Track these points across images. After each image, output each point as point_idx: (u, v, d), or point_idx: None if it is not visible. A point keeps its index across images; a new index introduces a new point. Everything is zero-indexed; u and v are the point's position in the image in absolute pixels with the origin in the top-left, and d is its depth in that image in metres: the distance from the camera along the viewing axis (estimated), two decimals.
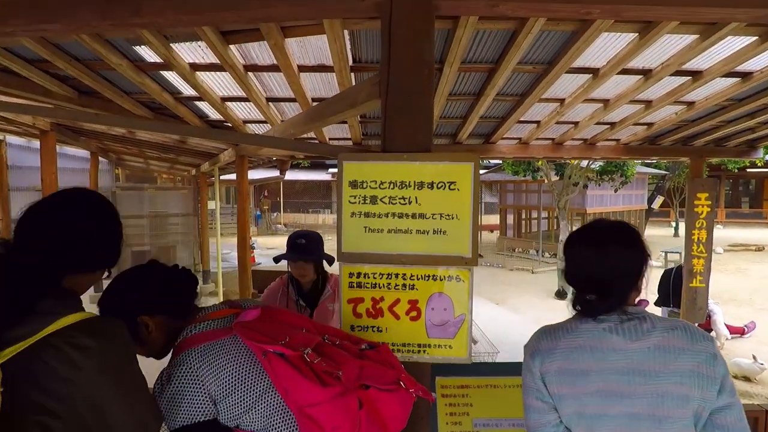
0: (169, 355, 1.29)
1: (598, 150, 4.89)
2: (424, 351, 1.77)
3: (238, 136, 3.33)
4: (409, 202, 1.72)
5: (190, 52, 2.90)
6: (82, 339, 0.87)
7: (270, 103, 3.73)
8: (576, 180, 8.68)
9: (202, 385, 1.18)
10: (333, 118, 2.46)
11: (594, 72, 3.06)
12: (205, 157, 7.28)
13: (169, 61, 2.85)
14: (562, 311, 7.85)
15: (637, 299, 1.21)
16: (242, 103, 3.77)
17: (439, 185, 1.71)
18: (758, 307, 8.31)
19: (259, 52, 2.90)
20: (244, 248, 4.80)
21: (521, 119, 4.09)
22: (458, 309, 1.74)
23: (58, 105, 3.56)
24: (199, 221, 10.55)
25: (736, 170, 15.87)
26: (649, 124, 4.26)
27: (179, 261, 11.00)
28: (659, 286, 6.36)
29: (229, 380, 1.18)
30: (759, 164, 15.19)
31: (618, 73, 3.03)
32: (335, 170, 1.77)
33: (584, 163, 8.39)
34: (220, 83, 3.37)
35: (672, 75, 3.08)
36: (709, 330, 5.99)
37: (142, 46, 2.81)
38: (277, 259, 2.37)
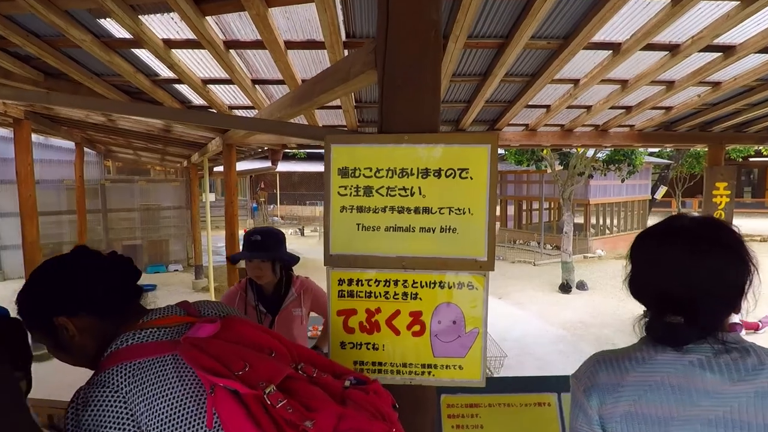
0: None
1: (609, 137, 4.58)
2: (430, 372, 1.48)
3: (207, 117, 3.01)
4: (412, 194, 1.42)
5: (162, 25, 2.57)
6: None
7: (256, 86, 3.40)
8: (581, 170, 8.37)
9: (131, 415, 0.87)
10: (324, 98, 2.15)
11: (615, 48, 2.75)
12: (194, 148, 6.95)
13: (139, 36, 2.53)
14: (566, 305, 7.59)
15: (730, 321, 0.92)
16: (226, 86, 3.45)
17: (448, 173, 1.40)
18: None
19: (241, 25, 2.57)
20: (233, 243, 4.50)
21: (530, 103, 3.78)
22: (470, 322, 1.45)
23: (21, 87, 3.23)
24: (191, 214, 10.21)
25: (740, 159, 15.52)
26: (668, 108, 3.95)
27: (172, 255, 10.75)
28: None
29: (164, 413, 0.87)
30: (765, 153, 14.88)
31: (642, 49, 2.71)
32: None
33: (590, 152, 8.08)
34: (200, 63, 3.04)
35: (701, 51, 2.77)
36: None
37: (107, 19, 2.49)
38: (233, 259, 2.07)
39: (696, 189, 23.12)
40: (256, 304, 2.10)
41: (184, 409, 0.89)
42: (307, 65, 3.01)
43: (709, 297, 0.86)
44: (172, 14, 2.45)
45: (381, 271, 1.45)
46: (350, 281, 1.47)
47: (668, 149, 14.44)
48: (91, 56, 2.83)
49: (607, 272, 10.40)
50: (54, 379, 2.09)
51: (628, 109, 3.96)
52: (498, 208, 15.79)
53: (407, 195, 1.42)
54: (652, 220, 16.98)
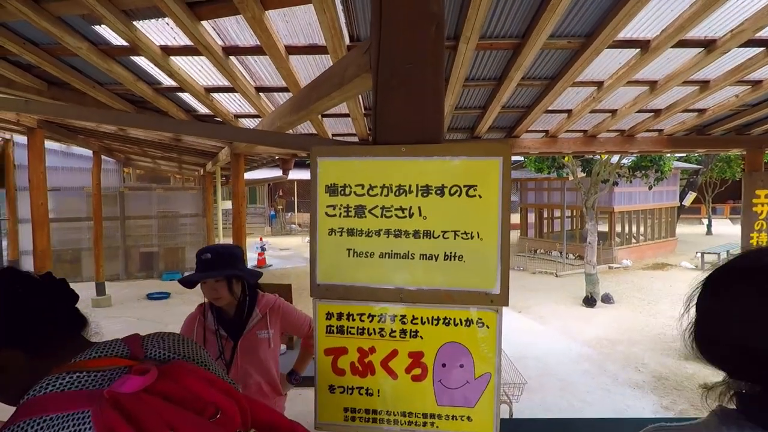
0: None
1: (636, 143, 4.29)
2: (433, 423, 1.27)
3: (184, 125, 2.88)
4: (411, 215, 1.22)
5: (157, 31, 2.45)
6: None
7: (261, 93, 3.27)
8: (605, 177, 8.00)
9: None
10: (321, 105, 1.97)
11: (643, 45, 2.50)
12: (207, 157, 6.91)
13: (135, 43, 2.41)
14: (591, 320, 7.20)
15: None
16: (229, 94, 3.33)
17: (453, 190, 1.20)
18: None
19: (239, 30, 2.43)
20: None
21: (550, 108, 3.54)
22: (481, 366, 1.23)
23: (26, 97, 3.17)
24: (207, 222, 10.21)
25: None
26: (701, 111, 3.65)
27: (188, 262, 10.76)
28: None
29: None
30: None
31: (673, 46, 2.46)
32: None
33: (615, 158, 7.71)
34: (201, 70, 2.92)
35: (741, 46, 2.50)
36: None
37: (102, 26, 2.38)
38: (185, 283, 1.84)
39: (727, 194, 22.26)
40: (216, 329, 1.91)
41: None
42: (311, 71, 2.86)
43: None
44: (166, 19, 2.32)
45: (375, 304, 1.25)
46: (340, 315, 1.27)
47: (697, 154, 13.86)
48: (91, 65, 2.73)
49: (634, 284, 9.93)
50: None
51: (657, 112, 3.67)
52: (518, 216, 15.39)
53: (405, 216, 1.22)
54: (680, 229, 16.32)
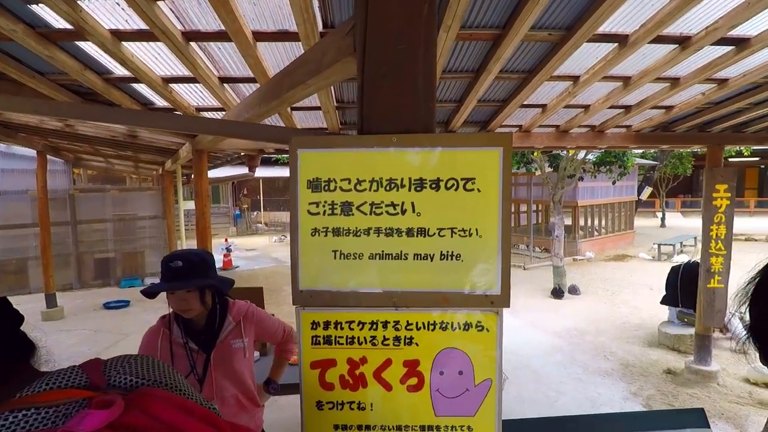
0: None
1: (606, 138, 4.35)
2: None
3: (146, 117, 2.65)
4: (403, 211, 1.11)
5: (106, 13, 2.22)
6: None
7: (225, 84, 3.06)
8: (571, 172, 8.18)
9: None
10: (294, 94, 1.83)
11: (622, 40, 2.49)
12: (166, 155, 6.54)
13: (80, 26, 2.17)
14: (560, 312, 7.34)
15: None
16: (190, 84, 3.10)
17: (449, 184, 1.10)
18: None
19: (200, 12, 2.24)
20: None
21: (525, 102, 3.52)
22: (481, 372, 1.14)
23: None
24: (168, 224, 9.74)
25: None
26: (669, 108, 3.73)
27: (149, 267, 10.25)
28: (667, 284, 5.91)
29: None
30: (746, 153, 15.03)
31: (650, 42, 2.46)
32: None
33: (581, 154, 7.90)
34: (158, 58, 2.69)
35: (714, 44, 2.53)
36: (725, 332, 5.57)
37: (40, 5, 2.13)
38: (148, 294, 1.67)
39: (679, 189, 23.45)
40: (184, 342, 1.73)
41: None
42: (281, 61, 2.69)
43: None
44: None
45: (366, 310, 1.14)
46: (327, 324, 1.15)
47: (653, 151, 14.48)
48: (29, 51, 2.46)
49: (598, 275, 10.24)
50: None
51: (628, 108, 3.72)
52: None
53: (397, 213, 1.11)
54: (637, 221, 17.03)
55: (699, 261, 4.69)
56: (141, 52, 2.58)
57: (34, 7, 2.12)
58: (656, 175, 15.41)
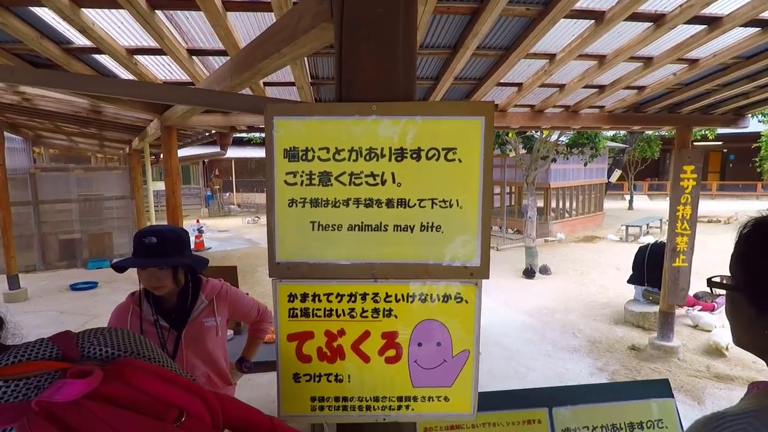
0: None
1: (580, 118, 4.41)
2: (408, 406, 1.17)
3: (114, 84, 2.52)
4: (383, 182, 1.09)
5: None
6: None
7: (194, 57, 2.93)
8: (544, 154, 8.31)
9: None
10: (267, 65, 1.76)
11: (598, 17, 2.50)
12: (133, 132, 6.28)
13: None
14: (531, 291, 7.53)
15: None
16: (156, 57, 2.95)
17: (430, 154, 1.08)
18: None
19: None
20: None
21: (502, 81, 3.52)
22: (459, 343, 1.15)
23: None
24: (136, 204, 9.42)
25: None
26: (641, 88, 3.80)
27: (117, 248, 9.94)
28: (634, 264, 6.13)
29: None
30: (711, 137, 15.61)
31: (626, 19, 2.48)
32: None
33: (554, 136, 8.02)
34: (121, 27, 2.54)
35: (687, 23, 2.57)
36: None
37: None
38: (118, 268, 1.61)
39: (647, 172, 24.20)
40: (155, 319, 1.69)
41: None
42: (253, 32, 2.58)
43: None
44: None
45: (344, 282, 1.12)
46: (304, 296, 1.13)
47: (623, 134, 14.85)
48: None
49: (568, 256, 10.54)
50: None
51: (602, 88, 3.78)
52: None
53: (377, 183, 1.09)
54: (606, 204, 17.54)
55: (665, 242, 4.87)
56: (102, 20, 2.43)
57: None
58: (625, 158, 15.84)
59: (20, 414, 0.59)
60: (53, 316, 6.22)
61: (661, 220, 13.50)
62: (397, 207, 1.09)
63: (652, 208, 19.65)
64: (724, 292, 0.80)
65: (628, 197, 20.65)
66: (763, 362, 0.75)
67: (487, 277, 1.10)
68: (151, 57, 2.97)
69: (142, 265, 1.59)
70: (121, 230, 10.10)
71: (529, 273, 8.45)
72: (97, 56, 2.95)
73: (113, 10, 2.34)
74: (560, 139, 8.37)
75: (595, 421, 1.65)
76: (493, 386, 4.47)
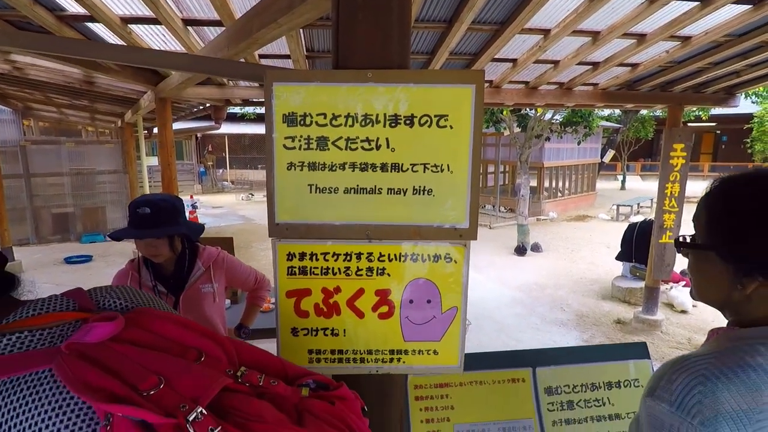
0: None
1: (573, 96, 4.45)
2: (399, 359, 1.25)
3: (111, 50, 2.52)
4: (378, 147, 1.14)
5: None
6: None
7: (189, 27, 2.92)
8: (539, 132, 8.34)
9: None
10: (264, 35, 1.78)
11: None
12: (126, 104, 6.22)
13: None
14: (522, 268, 7.69)
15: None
16: (151, 26, 2.93)
17: (423, 120, 1.13)
18: None
19: None
20: None
21: (496, 56, 3.53)
22: (448, 301, 1.23)
23: None
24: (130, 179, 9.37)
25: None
26: (634, 66, 3.83)
27: (110, 222, 9.94)
28: (622, 241, 6.26)
29: None
30: (704, 118, 15.66)
31: None
32: None
33: (548, 115, 8.04)
34: None
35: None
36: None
37: None
38: (115, 238, 1.64)
39: (640, 153, 24.32)
40: (153, 285, 1.75)
41: None
42: (249, 2, 2.57)
43: None
44: None
45: (340, 242, 1.18)
46: (302, 255, 1.19)
47: (617, 114, 14.86)
48: None
49: (560, 234, 10.70)
50: None
51: (595, 65, 3.80)
52: None
53: (372, 148, 1.14)
54: (599, 184, 17.67)
55: (653, 219, 4.98)
56: None
57: None
58: (619, 138, 15.88)
59: (52, 357, 0.65)
60: (48, 288, 6.24)
61: (651, 200, 13.66)
62: (391, 171, 1.15)
63: (644, 188, 19.84)
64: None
65: (620, 177, 20.79)
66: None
67: (475, 239, 1.17)
68: (146, 26, 2.95)
69: (137, 236, 1.64)
70: (115, 204, 10.09)
71: (520, 250, 8.59)
72: (90, 24, 2.92)
73: None
74: (554, 117, 8.39)
75: (576, 380, 1.75)
76: None
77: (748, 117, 16.73)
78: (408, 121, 1.13)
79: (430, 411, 1.65)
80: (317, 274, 1.20)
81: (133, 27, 2.94)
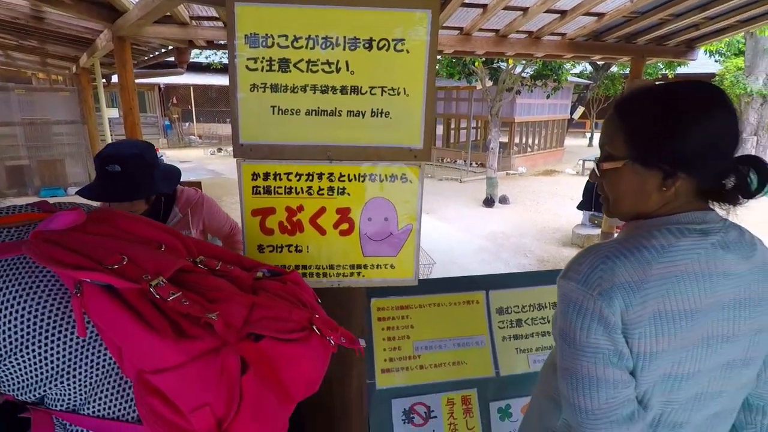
0: None
1: (542, 45, 4.49)
2: (359, 273, 1.36)
3: None
4: (338, 70, 1.19)
5: None
6: None
7: None
8: (510, 85, 8.40)
9: None
10: None
11: None
12: (80, 46, 5.85)
13: None
14: (489, 219, 7.96)
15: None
16: None
17: (381, 44, 1.18)
18: None
19: None
20: None
21: (466, 1, 3.51)
22: (404, 218, 1.33)
23: None
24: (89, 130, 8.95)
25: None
26: (600, 15, 3.89)
27: (71, 176, 9.58)
28: (584, 191, 6.55)
29: (15, 326, 0.67)
30: (671, 77, 15.99)
31: None
32: None
33: (518, 69, 8.07)
34: None
35: None
36: None
37: None
38: (85, 195, 1.47)
39: (608, 110, 24.77)
40: None
41: (43, 319, 0.67)
42: None
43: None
44: None
45: (302, 163, 1.25)
46: (266, 175, 1.26)
47: (589, 71, 14.98)
48: None
49: (527, 187, 11.03)
50: None
51: (563, 13, 3.84)
52: None
53: (332, 71, 1.19)
54: (567, 140, 18.07)
55: None
56: None
57: None
58: (589, 96, 16.11)
59: (20, 245, 0.71)
60: None
61: None
62: (350, 94, 1.20)
63: None
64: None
65: (589, 135, 21.26)
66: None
67: (429, 160, 1.26)
68: None
69: (109, 199, 1.53)
70: (74, 157, 9.67)
71: (488, 202, 8.84)
72: None
73: None
74: (525, 70, 8.43)
75: (524, 301, 1.93)
76: None
77: (710, 76, 17.20)
78: (367, 45, 1.18)
79: (391, 330, 1.80)
80: (281, 194, 1.27)
81: None
